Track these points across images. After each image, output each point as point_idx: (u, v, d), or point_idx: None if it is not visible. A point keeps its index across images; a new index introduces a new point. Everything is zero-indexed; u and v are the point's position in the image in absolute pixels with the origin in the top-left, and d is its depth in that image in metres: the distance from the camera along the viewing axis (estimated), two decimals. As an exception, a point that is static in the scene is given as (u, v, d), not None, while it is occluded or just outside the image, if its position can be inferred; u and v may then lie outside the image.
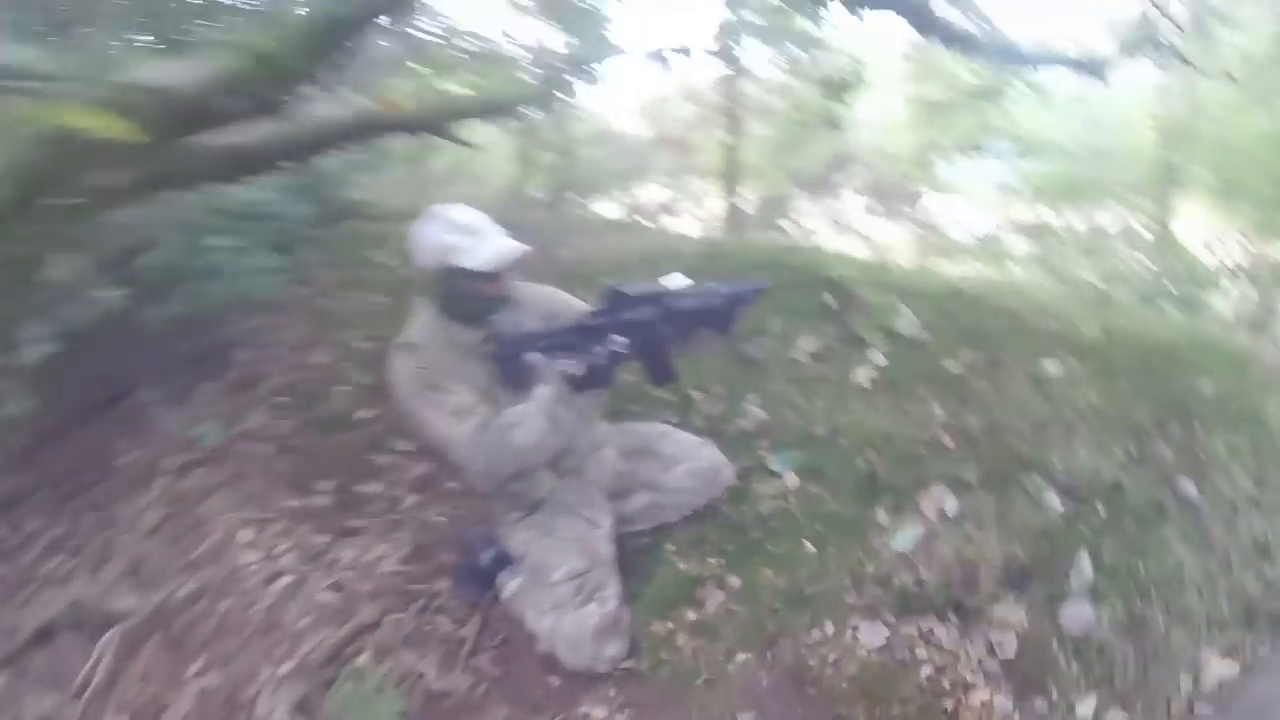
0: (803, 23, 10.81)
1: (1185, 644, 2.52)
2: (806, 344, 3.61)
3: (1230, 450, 3.09)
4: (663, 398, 3.26)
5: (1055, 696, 2.32)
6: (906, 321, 3.72)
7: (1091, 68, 8.31)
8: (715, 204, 11.39)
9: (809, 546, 2.71)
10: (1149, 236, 10.95)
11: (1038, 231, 11.91)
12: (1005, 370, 3.44)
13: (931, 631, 2.42)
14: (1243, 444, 3.17)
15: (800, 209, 14.12)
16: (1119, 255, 11.18)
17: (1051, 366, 3.47)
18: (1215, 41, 9.24)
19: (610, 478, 2.76)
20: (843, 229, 14.32)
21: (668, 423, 3.06)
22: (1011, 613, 2.51)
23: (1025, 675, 2.36)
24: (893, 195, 13.84)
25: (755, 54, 10.43)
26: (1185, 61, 7.05)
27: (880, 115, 13.37)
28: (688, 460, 2.83)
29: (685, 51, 8.50)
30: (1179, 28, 7.54)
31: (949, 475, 2.95)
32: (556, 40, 7.66)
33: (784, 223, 13.08)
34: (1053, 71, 10.82)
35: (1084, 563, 2.64)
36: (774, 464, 3.02)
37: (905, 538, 2.72)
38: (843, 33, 10.10)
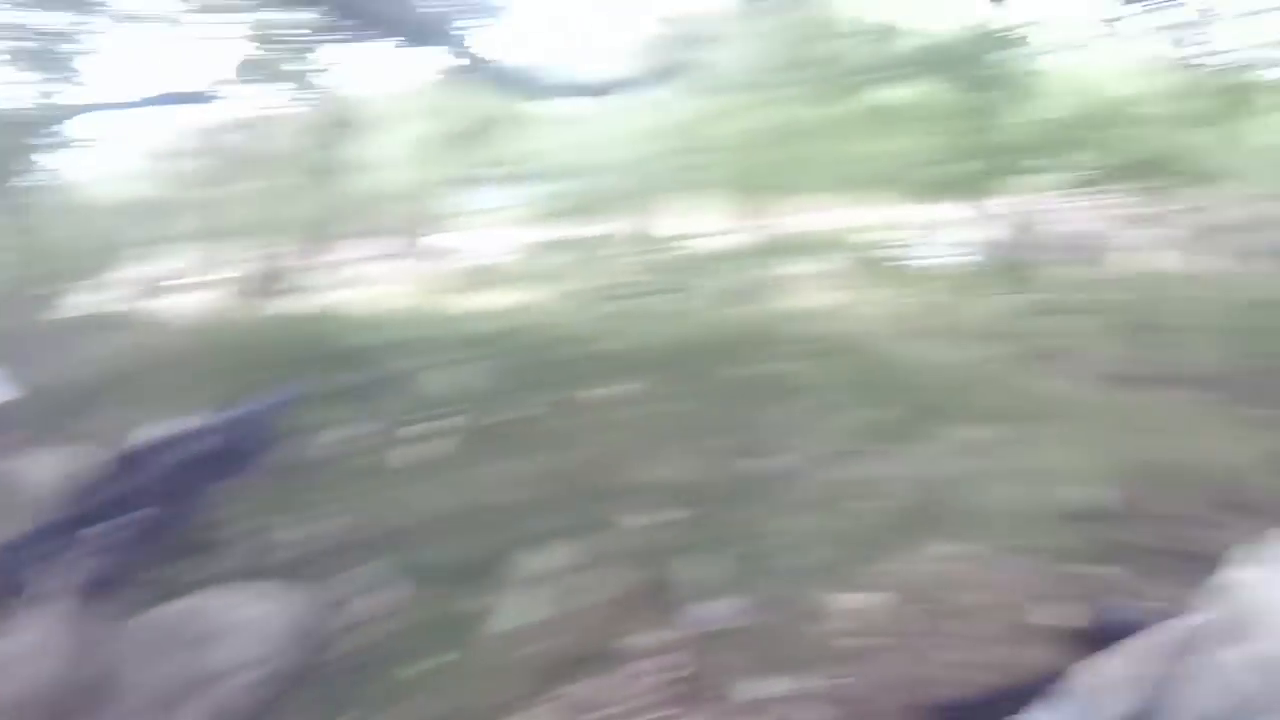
0: (309, 61, 10.19)
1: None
2: (353, 430, 3.24)
3: (787, 416, 3.43)
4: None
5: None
6: (455, 379, 3.50)
7: (601, 89, 9.14)
8: (228, 269, 10.04)
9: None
10: (659, 236, 12.46)
11: (558, 249, 12.71)
12: (577, 404, 3.41)
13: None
14: (807, 410, 3.50)
15: (318, 262, 13.33)
16: (631, 260, 12.54)
17: (620, 388, 3.50)
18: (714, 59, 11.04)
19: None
20: (363, 278, 13.86)
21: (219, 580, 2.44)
22: (655, 637, 2.47)
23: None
24: (410, 236, 13.76)
25: (259, 97, 9.53)
26: (692, 79, 7.96)
27: (394, 152, 13.15)
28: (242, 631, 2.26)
29: (192, 99, 7.26)
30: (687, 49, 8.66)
31: (549, 531, 2.80)
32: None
33: (303, 280, 12.29)
34: (565, 96, 11.87)
35: (694, 564, 2.68)
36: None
37: (511, 614, 2.51)
38: (353, 70, 9.77)
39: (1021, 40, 8.09)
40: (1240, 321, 6.99)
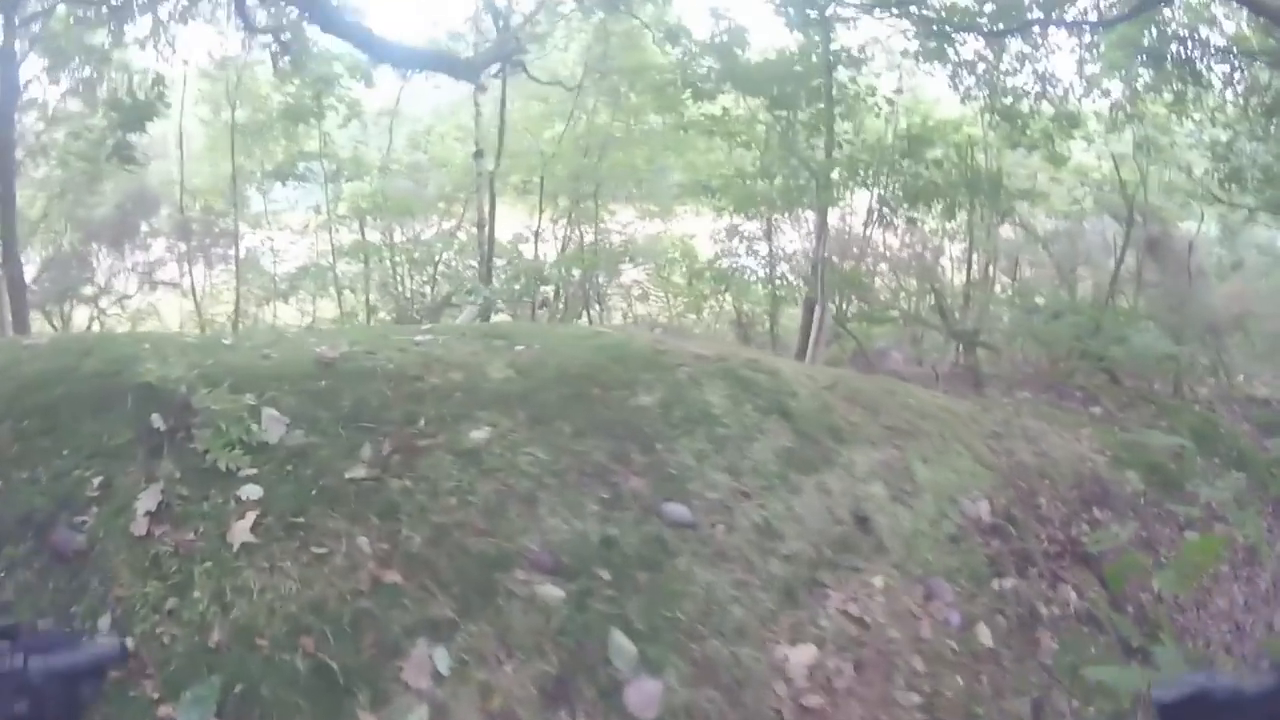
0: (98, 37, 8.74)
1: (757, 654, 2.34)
2: (146, 502, 2.40)
3: (697, 455, 2.90)
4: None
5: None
6: (273, 424, 2.70)
7: (466, 71, 8.44)
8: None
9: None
10: (463, 238, 11.85)
11: (362, 252, 11.73)
12: (423, 454, 2.67)
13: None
14: (703, 444, 3.00)
15: (99, 266, 11.57)
16: (444, 263, 11.85)
17: (477, 432, 2.77)
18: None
19: None
20: (154, 285, 12.26)
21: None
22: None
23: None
24: (205, 235, 12.28)
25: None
26: (530, 76, 7.59)
27: (186, 143, 11.62)
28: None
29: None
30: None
31: (421, 622, 2.22)
32: None
33: (83, 288, 10.66)
34: (371, 87, 10.95)
35: (619, 640, 2.19)
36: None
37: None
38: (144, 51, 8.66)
39: (853, 61, 8.32)
40: (1042, 330, 7.58)
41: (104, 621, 2.15)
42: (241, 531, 2.36)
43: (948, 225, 9.60)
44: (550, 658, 2.18)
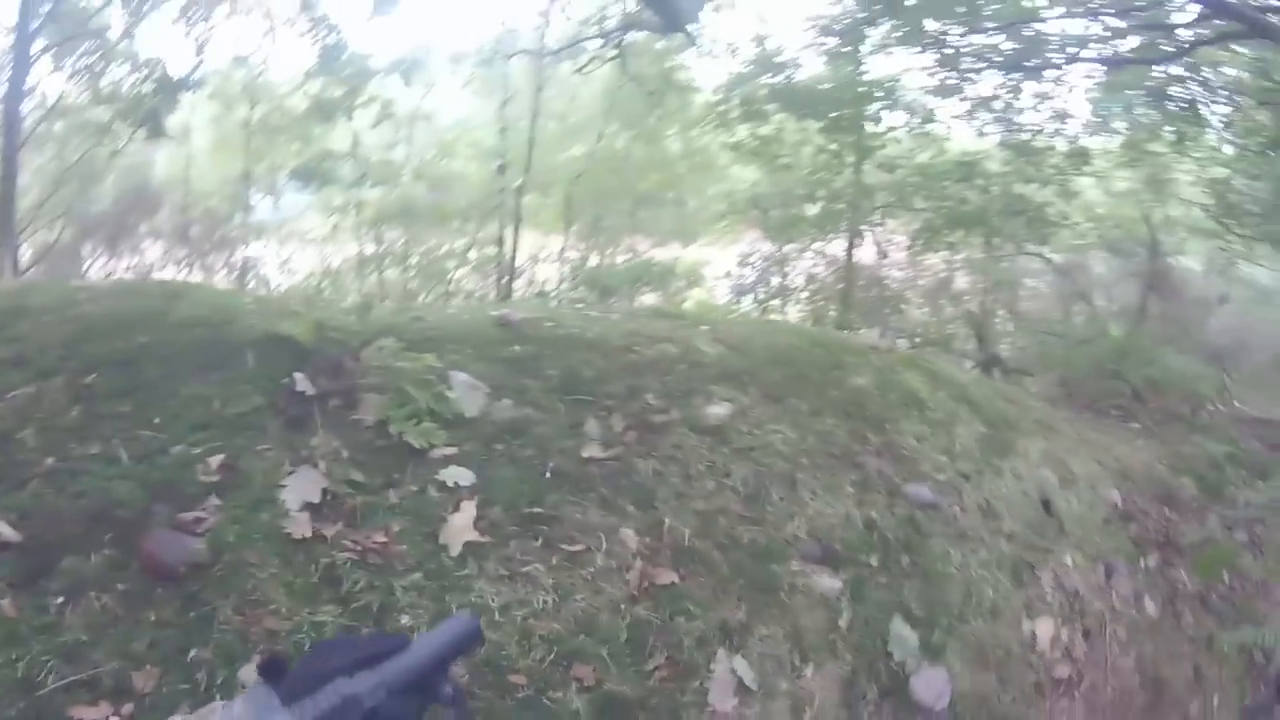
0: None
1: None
2: (300, 491, 1.83)
3: (918, 436, 2.89)
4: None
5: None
6: (469, 392, 2.23)
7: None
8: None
9: None
10: (478, 255, 11.71)
11: (377, 261, 11.51)
12: (663, 432, 2.37)
13: None
14: (919, 426, 2.97)
15: (92, 264, 11.14)
16: (457, 279, 11.71)
17: (715, 408, 2.53)
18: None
19: None
20: None
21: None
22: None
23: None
24: (205, 239, 11.93)
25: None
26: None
27: (194, 141, 11.38)
28: None
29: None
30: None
31: (712, 629, 1.90)
32: None
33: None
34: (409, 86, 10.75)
35: (900, 629, 2.15)
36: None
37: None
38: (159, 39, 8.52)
39: (878, 95, 8.63)
40: (1075, 354, 7.91)
41: (246, 671, 1.54)
42: (461, 529, 1.86)
43: (958, 256, 10.02)
44: (844, 656, 2.03)
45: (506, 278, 11.01)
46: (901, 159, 8.94)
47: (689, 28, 7.07)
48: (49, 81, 8.78)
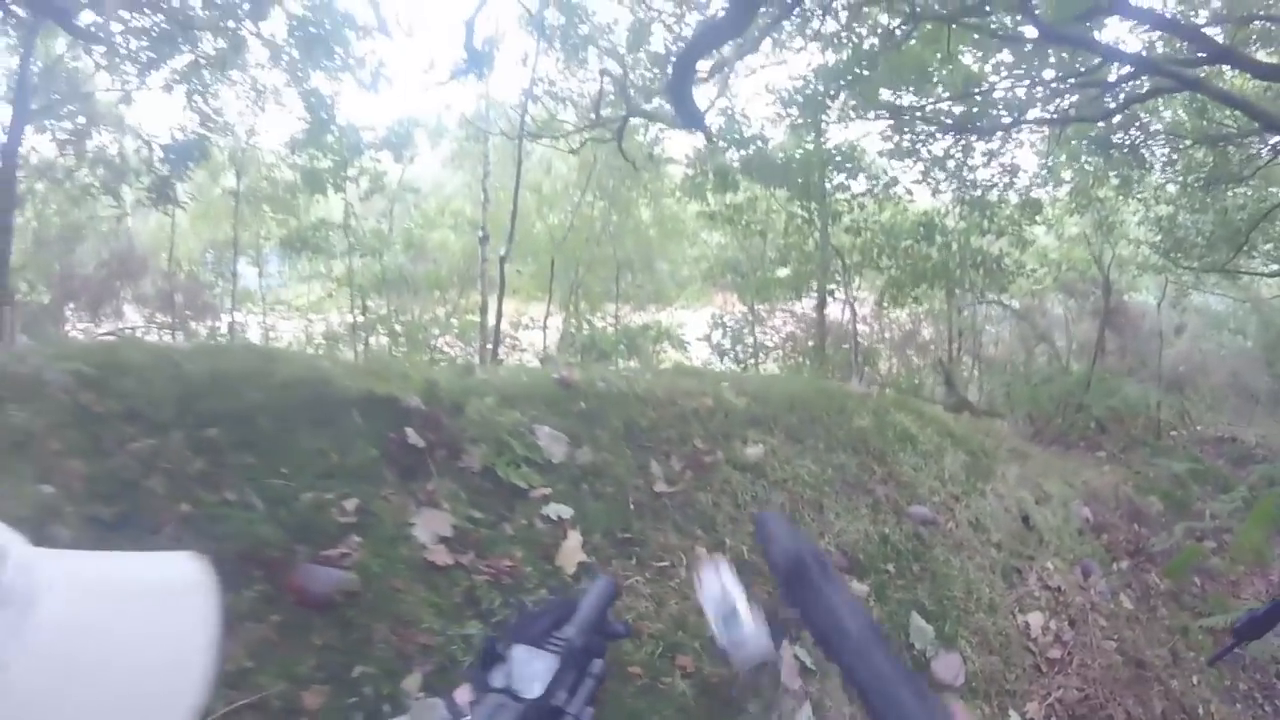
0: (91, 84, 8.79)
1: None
2: (431, 527, 2.12)
3: (914, 466, 3.38)
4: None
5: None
6: (553, 442, 2.55)
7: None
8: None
9: None
10: (458, 322, 12.06)
11: (369, 328, 11.76)
12: (711, 470, 2.79)
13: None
14: (914, 458, 3.44)
15: (72, 327, 11.16)
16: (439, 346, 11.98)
17: (752, 449, 3.00)
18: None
19: None
20: None
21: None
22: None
23: None
24: (189, 308, 12.11)
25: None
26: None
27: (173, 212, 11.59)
28: None
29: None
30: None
31: (774, 628, 2.27)
32: None
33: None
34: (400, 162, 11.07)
35: (919, 622, 2.59)
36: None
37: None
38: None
39: (839, 161, 9.32)
40: (1040, 391, 8.49)
41: (411, 682, 1.79)
42: (572, 551, 2.21)
43: (921, 308, 10.65)
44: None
45: (490, 344, 11.30)
46: (868, 221, 9.55)
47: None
48: (31, 141, 8.72)
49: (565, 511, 2.32)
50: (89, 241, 11.10)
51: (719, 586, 1.17)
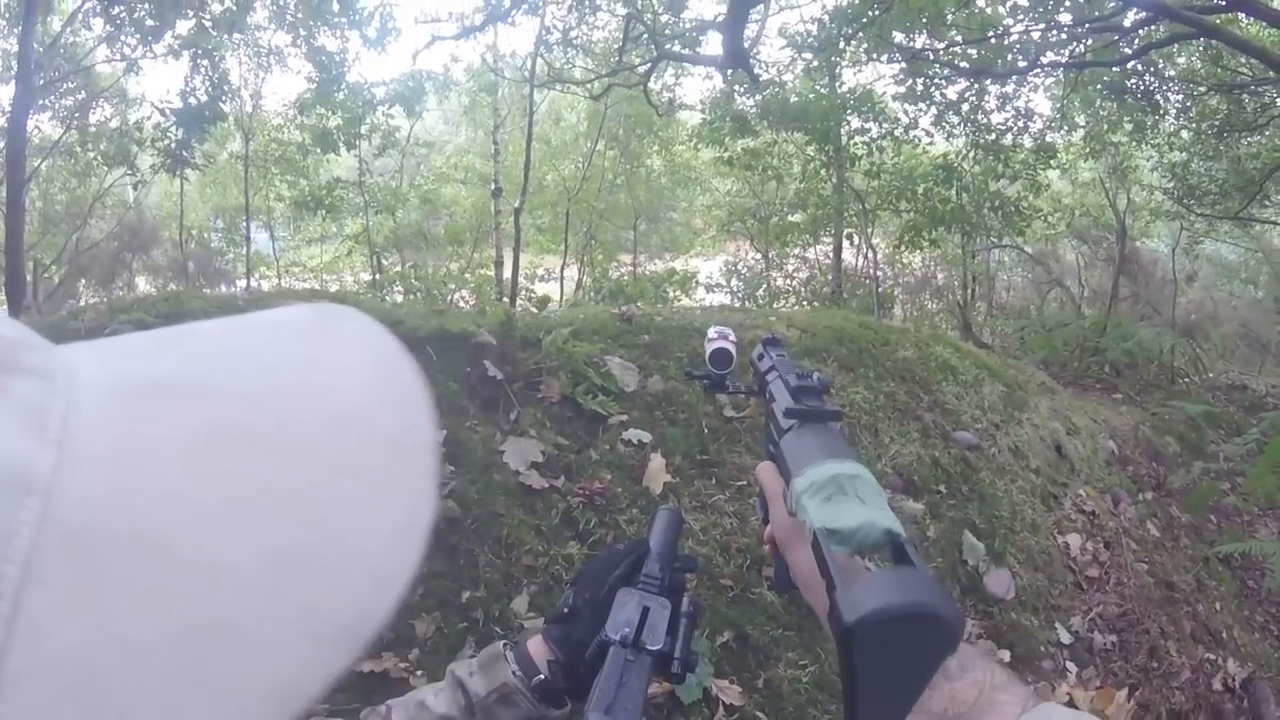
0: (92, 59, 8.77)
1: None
2: (522, 454, 2.23)
3: (956, 395, 3.50)
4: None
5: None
6: (626, 372, 2.65)
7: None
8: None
9: None
10: (472, 276, 12.07)
11: (386, 284, 11.74)
12: None
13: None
14: (956, 388, 3.56)
15: (84, 302, 11.29)
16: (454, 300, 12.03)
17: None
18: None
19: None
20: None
21: None
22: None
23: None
24: (201, 274, 12.15)
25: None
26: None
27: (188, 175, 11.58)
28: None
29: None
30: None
31: None
32: None
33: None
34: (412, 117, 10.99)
35: (970, 540, 2.74)
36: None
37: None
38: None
39: (862, 101, 9.26)
40: (1056, 335, 8.58)
41: (520, 603, 1.89)
42: (658, 473, 2.31)
43: (936, 252, 10.69)
44: (935, 559, 2.62)
45: (506, 297, 11.36)
46: (885, 165, 9.55)
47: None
48: (34, 120, 8.47)
49: (645, 436, 2.44)
50: (97, 217, 11.08)
51: None
